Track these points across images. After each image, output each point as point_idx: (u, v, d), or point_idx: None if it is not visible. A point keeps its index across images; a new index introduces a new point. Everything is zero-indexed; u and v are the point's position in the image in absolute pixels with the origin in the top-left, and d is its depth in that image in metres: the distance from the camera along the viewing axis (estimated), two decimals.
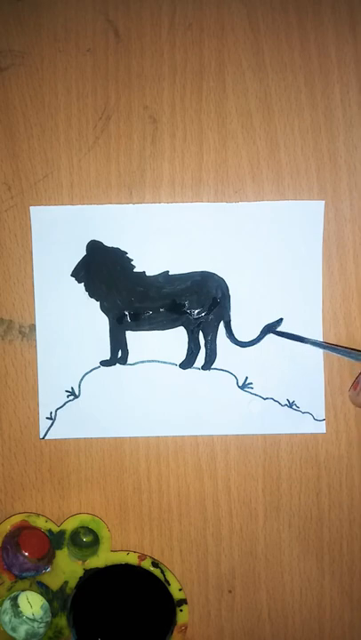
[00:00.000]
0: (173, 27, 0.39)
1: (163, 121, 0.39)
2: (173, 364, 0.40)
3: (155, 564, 0.40)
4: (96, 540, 0.40)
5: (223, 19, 0.39)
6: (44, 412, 0.41)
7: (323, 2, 0.39)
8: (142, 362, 0.40)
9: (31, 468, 0.41)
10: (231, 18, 0.39)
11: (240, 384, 0.40)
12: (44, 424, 0.41)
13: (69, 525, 0.40)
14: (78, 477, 0.41)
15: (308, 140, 0.39)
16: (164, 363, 0.40)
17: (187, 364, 0.40)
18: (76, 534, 0.41)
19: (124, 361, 0.40)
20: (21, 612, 0.41)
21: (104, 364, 0.40)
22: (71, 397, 0.40)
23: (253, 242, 0.40)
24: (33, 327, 0.40)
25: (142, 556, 0.40)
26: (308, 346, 0.40)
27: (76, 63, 0.39)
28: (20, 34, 0.39)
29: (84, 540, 0.41)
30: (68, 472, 0.41)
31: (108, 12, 0.39)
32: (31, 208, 0.40)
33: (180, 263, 0.40)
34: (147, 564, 0.40)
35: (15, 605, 0.41)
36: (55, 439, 0.41)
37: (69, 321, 0.40)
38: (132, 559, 0.40)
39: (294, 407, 0.40)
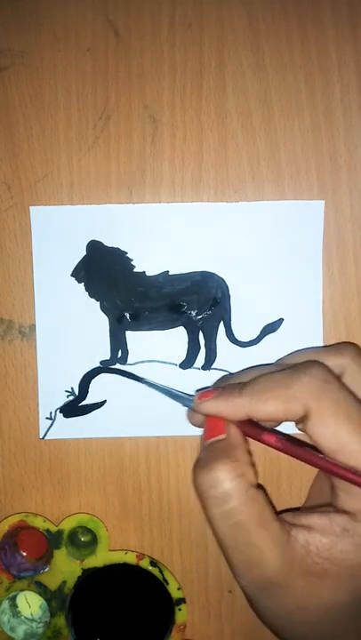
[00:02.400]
0: (173, 27, 0.39)
1: (163, 121, 0.39)
2: (173, 364, 0.40)
3: (153, 564, 0.40)
4: (94, 540, 0.40)
5: (223, 19, 0.39)
6: (43, 412, 0.41)
7: (323, 2, 0.39)
8: (142, 362, 0.40)
9: (31, 469, 0.41)
10: (231, 18, 0.39)
11: None
12: (43, 424, 0.41)
13: (67, 525, 0.40)
14: (78, 477, 0.41)
15: (308, 140, 0.39)
16: (164, 363, 0.40)
17: (187, 363, 0.40)
18: (74, 534, 0.41)
19: (123, 361, 0.40)
20: (20, 612, 0.41)
21: (104, 364, 0.40)
22: (71, 397, 0.40)
23: (253, 242, 0.40)
24: (33, 327, 0.40)
25: (140, 556, 0.40)
26: (308, 346, 0.40)
27: (76, 63, 0.39)
28: (20, 34, 0.39)
29: (82, 539, 0.41)
30: (68, 472, 0.41)
31: (108, 12, 0.39)
32: (31, 208, 0.40)
33: (180, 263, 0.40)
34: (145, 564, 0.40)
35: (14, 605, 0.41)
36: (55, 439, 0.41)
37: (69, 321, 0.40)
38: (131, 558, 0.40)
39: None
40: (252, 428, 0.30)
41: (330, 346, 0.34)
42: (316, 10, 0.39)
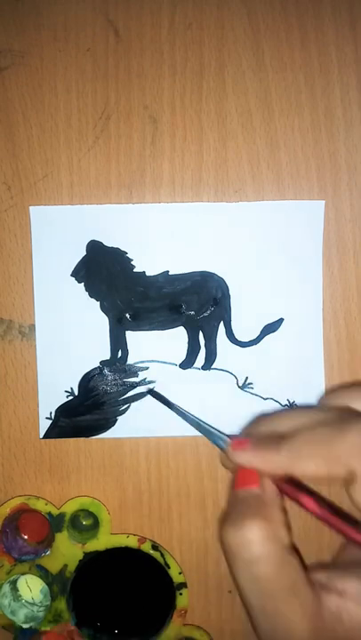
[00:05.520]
0: (173, 27, 0.39)
1: (163, 121, 0.39)
2: (173, 364, 0.40)
3: (155, 547, 0.40)
4: (96, 524, 0.40)
5: (223, 19, 0.39)
6: (43, 412, 0.41)
7: (323, 2, 0.39)
8: (142, 362, 0.40)
9: (31, 469, 0.41)
10: (231, 18, 0.39)
11: (240, 384, 0.40)
12: (43, 424, 0.41)
13: (69, 508, 0.40)
14: (78, 478, 0.41)
15: (309, 140, 0.39)
16: (164, 363, 0.40)
17: (187, 363, 0.40)
18: (75, 517, 0.40)
19: (124, 361, 0.40)
20: (21, 595, 0.41)
21: (104, 364, 0.40)
22: (71, 397, 0.40)
23: (253, 242, 0.40)
24: (33, 327, 0.40)
25: (142, 539, 0.40)
26: (308, 346, 0.40)
27: (75, 63, 0.39)
28: (20, 34, 0.39)
29: (84, 523, 0.41)
30: (68, 472, 0.41)
31: (108, 12, 0.39)
32: (31, 208, 0.40)
33: (180, 263, 0.40)
34: (146, 547, 0.40)
35: (14, 589, 0.41)
36: (55, 439, 0.41)
37: (69, 321, 0.40)
38: (132, 542, 0.40)
39: (294, 407, 0.40)
40: (289, 485, 0.27)
41: None
42: (316, 10, 0.39)
